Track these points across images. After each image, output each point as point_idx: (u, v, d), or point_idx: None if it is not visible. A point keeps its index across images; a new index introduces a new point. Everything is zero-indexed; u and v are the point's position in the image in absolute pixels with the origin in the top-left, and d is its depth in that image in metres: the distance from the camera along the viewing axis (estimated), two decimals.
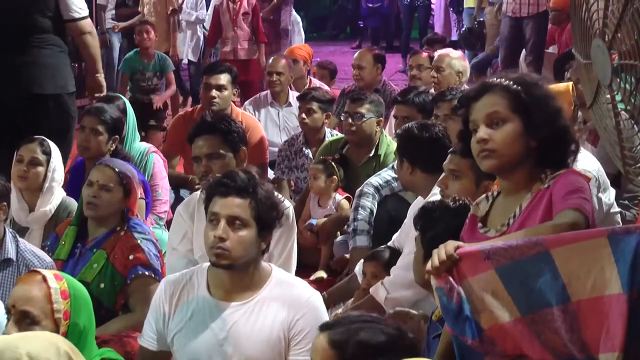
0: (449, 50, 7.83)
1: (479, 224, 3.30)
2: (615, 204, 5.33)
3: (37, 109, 6.01)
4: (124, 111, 6.36)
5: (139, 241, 4.67)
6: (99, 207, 4.71)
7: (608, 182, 5.14)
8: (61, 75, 6.19)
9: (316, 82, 9.13)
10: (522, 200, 3.21)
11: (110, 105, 6.17)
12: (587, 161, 4.87)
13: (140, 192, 5.32)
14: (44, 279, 3.36)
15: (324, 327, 2.97)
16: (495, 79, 3.27)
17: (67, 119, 6.18)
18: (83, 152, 5.91)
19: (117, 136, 5.88)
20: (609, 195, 5.13)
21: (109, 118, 5.91)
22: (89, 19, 6.39)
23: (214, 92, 7.05)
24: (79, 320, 3.38)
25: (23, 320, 3.26)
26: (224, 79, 7.10)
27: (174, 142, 7.20)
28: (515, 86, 3.20)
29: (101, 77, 6.52)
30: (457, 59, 7.48)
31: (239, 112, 7.30)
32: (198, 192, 4.76)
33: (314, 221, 6.26)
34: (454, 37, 14.94)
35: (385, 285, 4.67)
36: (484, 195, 3.41)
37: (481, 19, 12.31)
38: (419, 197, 4.91)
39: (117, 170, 4.78)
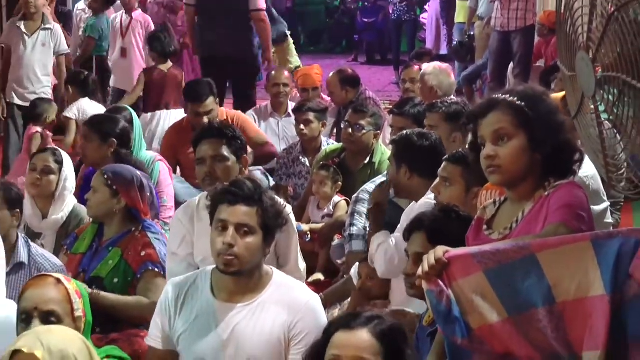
0: (428, 66, 7.75)
1: (485, 226, 3.33)
2: (609, 215, 5.29)
3: (237, 69, 8.90)
4: (130, 121, 6.39)
5: (151, 240, 4.72)
6: (90, 208, 4.84)
7: (601, 190, 5.10)
8: (253, 47, 8.98)
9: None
10: (524, 206, 3.23)
11: (117, 116, 6.21)
12: (584, 166, 4.84)
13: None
14: (58, 281, 3.37)
15: (357, 324, 2.98)
16: (500, 94, 3.28)
17: (254, 73, 9.31)
18: (84, 160, 6.00)
19: (113, 140, 5.87)
20: (599, 205, 5.09)
21: (97, 123, 5.98)
22: (264, 12, 8.99)
23: (205, 119, 6.92)
24: (89, 318, 3.40)
25: (48, 319, 3.26)
26: (209, 104, 7.06)
27: (167, 150, 7.22)
28: (519, 102, 3.21)
29: (270, 54, 9.26)
30: (432, 74, 7.37)
31: (223, 112, 7.39)
32: (197, 197, 4.77)
33: (299, 226, 6.25)
34: (443, 51, 15.00)
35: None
36: (492, 200, 3.44)
37: (471, 33, 12.35)
38: (413, 203, 4.91)
39: (103, 171, 4.86)
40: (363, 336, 2.94)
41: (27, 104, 8.25)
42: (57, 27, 8.61)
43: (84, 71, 8.69)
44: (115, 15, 10.17)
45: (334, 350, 2.95)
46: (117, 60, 9.96)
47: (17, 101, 8.47)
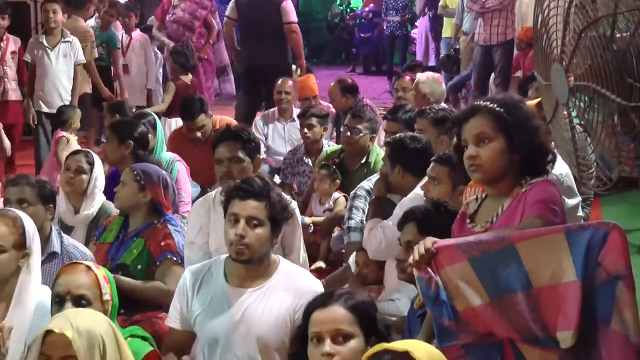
0: (421, 75, 7.75)
1: (468, 220, 3.32)
2: (580, 209, 5.29)
3: (273, 72, 8.71)
4: (154, 126, 6.40)
5: (171, 231, 4.71)
6: (118, 200, 4.85)
7: (574, 186, 5.10)
8: (287, 55, 9.36)
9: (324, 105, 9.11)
10: (503, 202, 3.22)
11: (136, 121, 6.25)
12: (556, 165, 4.84)
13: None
14: (89, 268, 3.37)
15: (331, 301, 2.98)
16: (481, 101, 3.27)
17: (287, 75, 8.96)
18: (105, 160, 6.06)
19: (130, 142, 5.87)
20: (572, 199, 5.08)
21: (117, 127, 6.03)
22: (296, 24, 9.31)
23: (198, 133, 7.06)
24: (115, 301, 3.40)
25: (79, 302, 3.26)
26: (201, 120, 7.08)
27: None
28: (498, 108, 3.20)
29: (303, 61, 9.61)
30: (425, 83, 7.37)
31: (217, 119, 7.37)
32: (213, 192, 4.76)
33: (303, 219, 6.24)
34: (432, 63, 15.03)
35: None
36: (474, 197, 3.44)
37: (457, 47, 12.39)
38: (404, 198, 4.91)
39: (132, 168, 4.89)
40: (338, 311, 2.93)
41: (54, 111, 8.27)
42: (75, 40, 8.62)
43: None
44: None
45: (314, 328, 2.93)
46: (120, 75, 10.01)
47: (44, 109, 8.48)
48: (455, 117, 3.42)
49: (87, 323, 2.74)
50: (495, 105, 3.21)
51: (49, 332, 2.71)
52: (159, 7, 10.98)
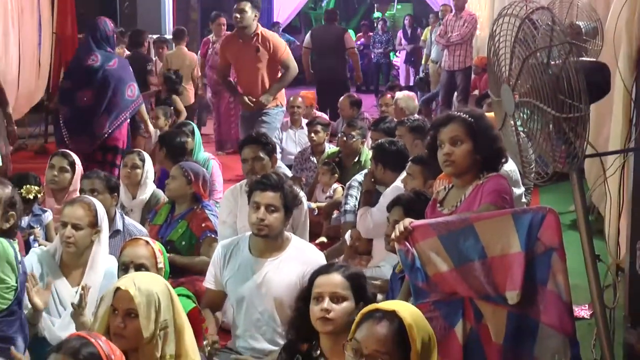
0: (399, 93, 7.79)
1: (438, 205, 3.33)
2: (524, 196, 5.30)
3: (337, 87, 9.41)
4: (192, 132, 6.38)
5: (208, 215, 4.72)
6: (169, 191, 4.85)
7: (519, 179, 5.12)
8: (346, 72, 10.22)
9: (317, 113, 9.11)
10: (466, 191, 3.22)
11: (182, 129, 6.23)
12: (507, 164, 4.84)
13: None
14: (147, 242, 3.37)
15: (331, 270, 2.96)
16: (456, 112, 3.28)
17: (346, 88, 9.74)
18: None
19: (163, 148, 5.81)
20: (519, 189, 5.09)
21: (160, 137, 6.11)
22: (355, 48, 10.24)
23: (238, 15, 6.74)
24: (167, 269, 3.40)
25: (139, 269, 3.24)
26: (244, 5, 6.73)
27: (224, 59, 7.04)
28: (469, 118, 3.20)
29: (360, 74, 10.66)
30: (402, 99, 7.40)
31: (262, 30, 6.94)
32: (241, 182, 4.80)
33: (309, 205, 6.23)
34: (411, 83, 15.11)
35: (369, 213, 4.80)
36: (443, 186, 3.44)
37: (427, 71, 12.46)
38: (386, 189, 4.91)
39: (180, 165, 4.88)
40: (336, 277, 2.92)
41: None
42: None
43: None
44: None
45: (317, 289, 2.93)
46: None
47: None
48: (434, 122, 3.42)
49: (146, 283, 2.73)
50: (467, 115, 3.23)
51: (117, 289, 2.72)
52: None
